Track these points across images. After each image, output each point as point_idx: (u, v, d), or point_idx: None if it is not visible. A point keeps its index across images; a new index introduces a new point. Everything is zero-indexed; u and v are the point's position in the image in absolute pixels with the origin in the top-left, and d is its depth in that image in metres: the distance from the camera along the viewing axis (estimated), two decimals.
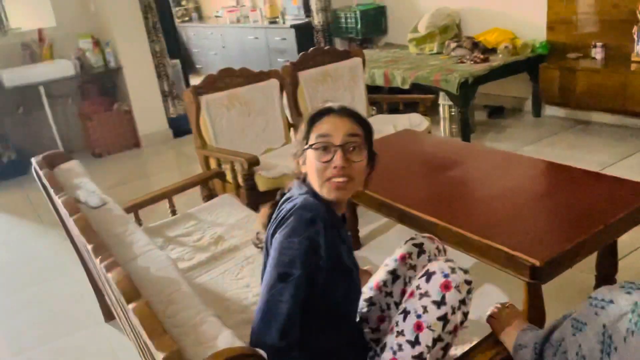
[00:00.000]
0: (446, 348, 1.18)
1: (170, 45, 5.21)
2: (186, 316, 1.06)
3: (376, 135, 1.39)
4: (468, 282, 1.18)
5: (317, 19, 5.80)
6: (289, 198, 1.28)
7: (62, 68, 4.55)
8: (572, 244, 1.56)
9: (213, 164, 3.13)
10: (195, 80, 6.45)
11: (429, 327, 1.16)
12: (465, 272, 1.21)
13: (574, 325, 0.94)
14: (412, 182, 2.19)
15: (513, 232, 1.67)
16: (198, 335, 1.00)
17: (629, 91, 3.50)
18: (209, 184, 2.69)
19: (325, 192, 1.24)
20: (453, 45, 4.51)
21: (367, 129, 1.30)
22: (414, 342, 1.17)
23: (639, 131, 3.79)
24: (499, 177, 2.11)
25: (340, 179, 1.22)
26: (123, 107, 4.90)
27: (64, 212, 1.55)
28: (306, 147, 1.27)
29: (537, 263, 1.49)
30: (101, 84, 4.95)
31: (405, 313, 1.20)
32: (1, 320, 2.56)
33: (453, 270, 1.18)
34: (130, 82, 4.79)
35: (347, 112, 1.28)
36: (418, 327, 1.17)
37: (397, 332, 1.20)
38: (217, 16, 7.60)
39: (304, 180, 1.32)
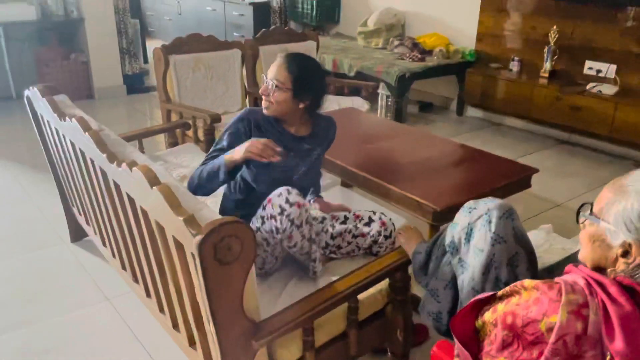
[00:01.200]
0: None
1: (132, 5, 5.40)
2: (189, 206, 1.47)
3: (322, 111, 1.95)
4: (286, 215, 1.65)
5: (275, 1, 6.16)
6: None
7: (23, 11, 4.67)
8: (463, 198, 2.09)
9: (174, 117, 3.48)
10: (150, 42, 6.62)
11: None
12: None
13: (451, 226, 1.43)
14: (353, 147, 2.66)
15: (423, 187, 2.18)
16: (199, 216, 1.41)
17: (535, 101, 4.17)
18: (175, 133, 3.04)
19: None
20: (396, 42, 5.05)
21: (298, 76, 1.74)
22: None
23: (539, 135, 4.49)
24: (419, 150, 2.63)
25: (264, 100, 1.79)
26: (81, 58, 5.06)
27: (74, 129, 1.88)
28: None
29: (438, 209, 2.01)
30: (60, 33, 5.07)
31: None
32: None
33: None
34: (90, 34, 4.96)
35: (286, 60, 1.77)
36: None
37: None
38: None
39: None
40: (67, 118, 1.92)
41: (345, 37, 5.88)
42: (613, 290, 0.94)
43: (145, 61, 6.08)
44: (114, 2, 5.03)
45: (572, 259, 1.39)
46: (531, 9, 4.36)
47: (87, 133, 1.75)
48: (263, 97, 1.80)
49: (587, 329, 0.92)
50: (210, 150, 1.85)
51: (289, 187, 1.67)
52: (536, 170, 2.35)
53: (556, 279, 1.02)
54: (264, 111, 1.81)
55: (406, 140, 2.78)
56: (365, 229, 1.88)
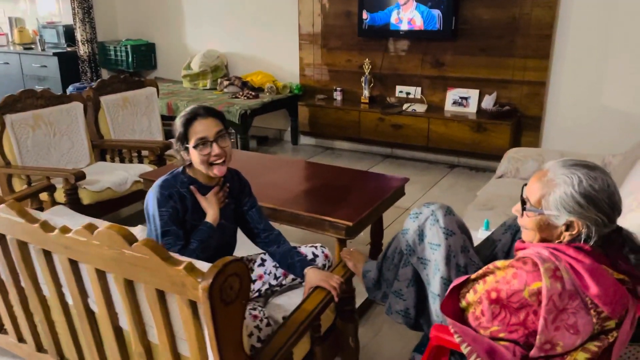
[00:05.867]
0: None
1: None
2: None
3: None
4: None
5: (82, 50, 5.84)
6: None
7: None
8: (366, 213, 2.37)
9: (17, 183, 3.13)
10: None
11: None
12: None
13: (402, 233, 1.67)
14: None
15: (330, 209, 2.39)
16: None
17: (362, 124, 4.74)
18: (39, 197, 2.75)
19: (213, 173, 1.77)
20: (225, 83, 5.23)
21: (223, 119, 1.79)
22: None
23: (367, 154, 5.09)
24: (304, 177, 2.86)
25: (220, 161, 1.76)
26: None
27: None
28: (190, 146, 1.75)
29: (350, 224, 2.25)
30: None
31: None
32: None
33: None
34: None
35: (209, 113, 1.77)
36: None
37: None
38: None
39: (189, 165, 1.82)
40: None
41: (167, 80, 5.85)
42: (571, 252, 1.26)
43: None
44: None
45: (490, 240, 1.74)
46: (344, 46, 4.95)
47: (2, 205, 1.57)
48: (215, 159, 1.74)
49: (565, 286, 1.22)
50: (171, 239, 1.72)
51: None
52: (407, 179, 2.75)
53: (521, 254, 1.31)
54: (223, 172, 1.77)
55: (289, 170, 2.97)
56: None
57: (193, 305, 1.33)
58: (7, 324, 1.92)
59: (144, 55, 5.91)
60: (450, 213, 1.60)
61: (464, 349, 1.32)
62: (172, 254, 1.36)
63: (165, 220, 1.72)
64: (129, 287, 1.45)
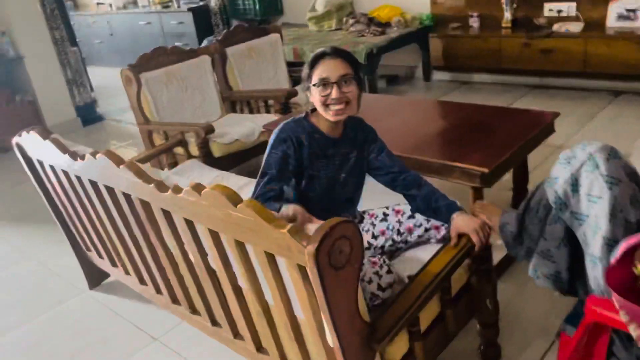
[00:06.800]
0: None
1: (68, 33, 5.07)
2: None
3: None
4: None
5: (214, 2, 5.95)
6: None
7: None
8: (505, 157, 2.06)
9: (157, 138, 3.28)
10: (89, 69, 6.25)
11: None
12: None
13: (549, 182, 1.38)
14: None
15: (461, 154, 2.13)
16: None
17: (504, 52, 4.22)
18: (173, 152, 2.86)
19: (329, 116, 1.63)
20: (351, 21, 4.98)
21: (354, 63, 1.64)
22: None
23: (511, 86, 4.56)
24: (434, 118, 2.59)
25: (338, 106, 1.60)
26: (27, 97, 4.71)
27: (98, 166, 1.71)
28: (311, 85, 1.62)
29: (486, 170, 1.97)
30: None
31: None
32: None
33: None
34: (32, 72, 4.63)
35: (338, 54, 1.61)
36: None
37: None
38: (99, 3, 7.35)
39: (313, 110, 1.70)
40: (86, 156, 1.74)
41: (294, 25, 5.76)
42: None
43: (92, 89, 5.74)
44: (51, 33, 4.70)
45: None
46: None
47: (122, 166, 1.59)
48: (333, 102, 1.59)
49: None
50: (262, 182, 1.61)
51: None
52: (557, 114, 2.35)
53: None
54: (339, 117, 1.63)
55: (416, 111, 2.73)
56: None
57: (302, 269, 1.22)
58: (146, 277, 2.02)
59: (270, 1, 5.85)
60: (614, 156, 1.27)
61: (633, 331, 1.04)
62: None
63: (269, 162, 1.64)
64: (241, 248, 1.38)
